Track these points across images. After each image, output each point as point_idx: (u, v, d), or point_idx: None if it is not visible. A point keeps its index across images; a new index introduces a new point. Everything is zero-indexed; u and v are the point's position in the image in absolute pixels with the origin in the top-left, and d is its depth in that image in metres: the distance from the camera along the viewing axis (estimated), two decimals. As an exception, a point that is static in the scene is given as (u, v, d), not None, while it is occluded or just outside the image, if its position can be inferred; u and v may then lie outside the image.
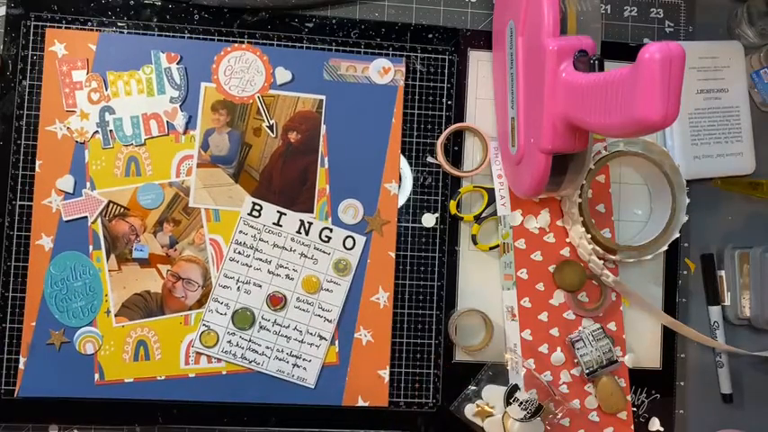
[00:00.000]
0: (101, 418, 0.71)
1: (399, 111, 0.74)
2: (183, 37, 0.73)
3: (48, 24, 0.71)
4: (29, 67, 0.71)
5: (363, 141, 0.74)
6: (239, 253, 0.72)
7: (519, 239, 0.74)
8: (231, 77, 0.72)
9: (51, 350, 0.70)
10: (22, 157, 0.70)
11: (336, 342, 0.73)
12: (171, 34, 0.73)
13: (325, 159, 0.73)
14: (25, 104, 0.71)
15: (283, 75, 0.73)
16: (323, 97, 0.73)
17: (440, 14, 0.77)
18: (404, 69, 0.74)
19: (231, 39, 0.73)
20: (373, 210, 0.74)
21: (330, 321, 0.73)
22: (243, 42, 0.73)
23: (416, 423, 0.74)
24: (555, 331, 0.75)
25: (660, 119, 0.49)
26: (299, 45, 0.74)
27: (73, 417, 0.70)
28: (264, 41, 0.73)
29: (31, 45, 0.71)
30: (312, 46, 0.74)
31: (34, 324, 0.69)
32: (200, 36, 0.73)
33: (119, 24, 0.72)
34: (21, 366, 0.69)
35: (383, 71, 0.74)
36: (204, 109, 0.72)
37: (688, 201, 0.73)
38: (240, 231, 0.72)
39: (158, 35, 0.72)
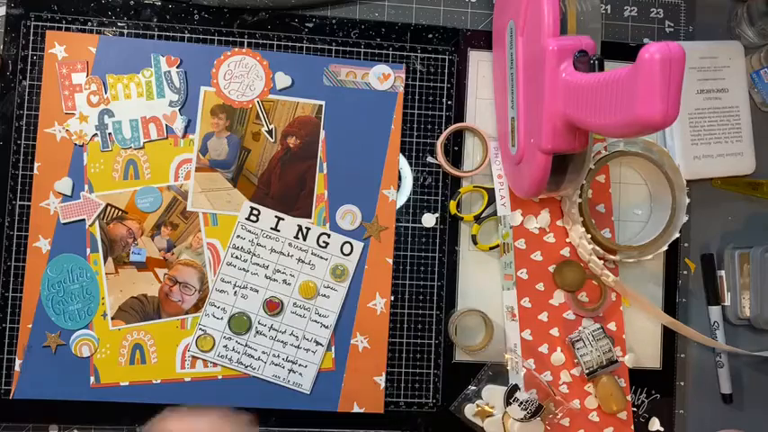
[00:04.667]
0: (101, 418, 0.70)
1: (399, 117, 0.74)
2: (184, 38, 0.73)
3: (48, 25, 0.71)
4: (29, 68, 0.71)
5: (362, 147, 0.74)
6: (237, 257, 0.72)
7: (519, 239, 0.74)
8: (231, 82, 0.72)
9: (47, 352, 0.70)
10: (21, 158, 0.70)
11: (333, 348, 0.73)
12: (171, 34, 0.73)
13: (324, 165, 0.73)
14: (25, 105, 0.71)
15: (283, 80, 0.73)
16: (322, 103, 0.73)
17: (440, 14, 0.77)
18: (404, 76, 0.74)
19: (231, 38, 0.73)
20: (371, 216, 0.74)
21: (327, 327, 0.72)
22: (243, 42, 0.73)
23: (416, 423, 0.74)
24: (555, 331, 0.75)
25: (660, 119, 0.49)
26: (300, 45, 0.74)
27: (73, 417, 0.70)
28: (264, 41, 0.73)
29: (31, 45, 0.71)
30: (312, 46, 0.74)
31: (30, 326, 0.69)
32: (201, 36, 0.73)
33: (119, 24, 0.72)
34: (16, 368, 0.69)
35: (383, 77, 0.74)
36: (203, 113, 0.72)
37: (688, 201, 0.73)
38: (238, 236, 0.72)
39: (158, 38, 0.72)
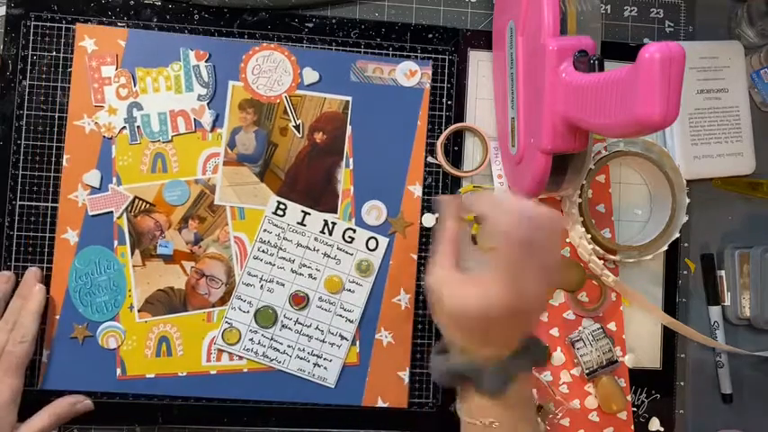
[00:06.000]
0: (101, 417, 0.70)
1: (425, 113, 0.74)
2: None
3: (48, 25, 0.71)
4: (29, 67, 0.71)
5: (388, 143, 0.74)
6: (263, 251, 0.72)
7: (519, 239, 0.74)
8: (259, 77, 0.72)
9: (74, 344, 0.70)
10: (21, 157, 0.70)
11: (357, 342, 0.73)
12: (171, 34, 0.73)
13: (350, 160, 0.73)
14: (25, 104, 0.70)
15: (311, 75, 0.73)
16: (349, 98, 0.73)
17: (440, 14, 0.77)
18: (430, 72, 0.75)
19: (231, 39, 0.73)
20: (397, 211, 0.74)
21: (351, 322, 0.73)
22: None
23: (416, 423, 0.74)
24: (555, 331, 0.75)
25: (660, 119, 0.49)
26: (299, 45, 0.74)
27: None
28: (264, 41, 0.73)
29: (31, 45, 0.71)
30: (312, 46, 0.74)
31: (58, 317, 0.70)
32: (201, 36, 0.73)
33: (119, 25, 0.72)
34: (44, 359, 0.70)
35: (410, 73, 0.74)
36: (231, 107, 0.72)
37: (688, 201, 0.73)
38: (264, 230, 0.72)
39: (188, 33, 0.72)
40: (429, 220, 0.75)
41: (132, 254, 0.71)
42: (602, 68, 0.58)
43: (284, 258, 0.72)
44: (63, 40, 0.71)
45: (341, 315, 0.73)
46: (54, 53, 0.71)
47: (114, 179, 0.71)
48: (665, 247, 0.73)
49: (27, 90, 0.71)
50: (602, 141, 0.74)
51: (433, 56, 0.75)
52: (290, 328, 0.72)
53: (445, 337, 0.57)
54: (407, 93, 0.74)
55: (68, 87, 0.71)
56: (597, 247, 0.73)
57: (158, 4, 0.73)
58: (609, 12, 0.79)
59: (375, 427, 0.73)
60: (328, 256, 0.73)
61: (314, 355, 0.72)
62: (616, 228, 0.76)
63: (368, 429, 0.73)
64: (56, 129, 0.71)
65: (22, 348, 0.65)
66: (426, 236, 0.75)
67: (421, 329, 0.74)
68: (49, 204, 0.70)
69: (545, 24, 0.59)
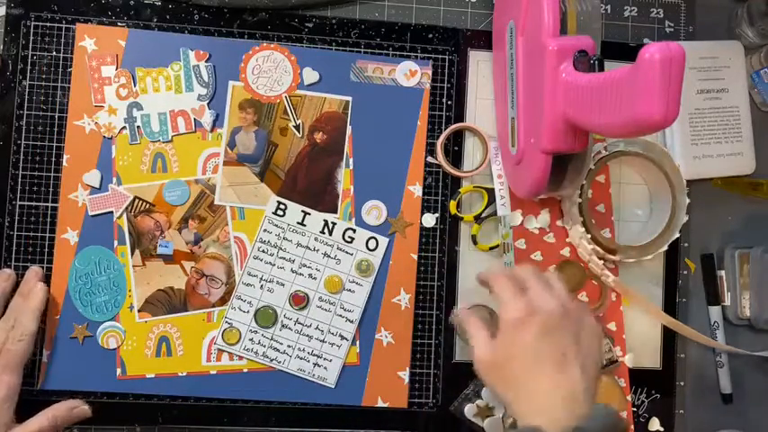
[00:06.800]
0: (101, 417, 0.70)
1: (425, 113, 0.74)
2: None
3: (47, 25, 0.71)
4: (29, 67, 0.71)
5: (388, 143, 0.74)
6: (263, 251, 0.72)
7: (519, 239, 0.74)
8: (259, 77, 0.72)
9: (74, 344, 0.70)
10: (21, 157, 0.70)
11: (357, 342, 0.73)
12: (171, 34, 0.73)
13: (350, 160, 0.73)
14: (25, 104, 0.70)
15: (311, 75, 0.73)
16: (349, 98, 0.73)
17: (440, 14, 0.77)
18: (430, 72, 0.75)
19: (231, 39, 0.73)
20: (397, 211, 0.74)
21: (351, 322, 0.73)
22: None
23: (416, 423, 0.74)
24: (555, 331, 0.74)
25: (660, 119, 0.49)
26: (299, 45, 0.74)
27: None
28: (264, 42, 0.73)
29: (31, 45, 0.71)
30: (312, 46, 0.74)
31: (58, 317, 0.70)
32: (201, 36, 0.73)
33: (119, 25, 0.72)
34: (44, 359, 0.70)
35: (410, 74, 0.74)
36: (232, 107, 0.72)
37: (688, 201, 0.73)
38: (265, 230, 0.72)
39: (188, 33, 0.72)
40: (429, 220, 0.75)
41: (132, 254, 0.71)
42: (602, 68, 0.58)
43: (284, 258, 0.72)
44: (63, 40, 0.71)
45: (341, 315, 0.73)
46: (54, 53, 0.71)
47: (114, 179, 0.71)
48: (665, 247, 0.73)
49: (27, 90, 0.71)
50: (602, 141, 0.74)
51: (433, 56, 0.75)
52: (290, 328, 0.72)
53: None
54: (407, 93, 0.75)
55: (68, 87, 0.71)
56: (597, 247, 0.73)
57: (158, 4, 0.73)
58: (609, 12, 0.79)
59: (375, 427, 0.73)
60: (328, 256, 0.73)
61: (314, 355, 0.72)
62: (616, 228, 0.76)
63: (368, 429, 0.73)
64: (56, 129, 0.71)
65: (20, 346, 0.65)
66: (426, 236, 0.75)
67: (421, 329, 0.74)
68: (49, 204, 0.70)
69: (545, 24, 0.59)
